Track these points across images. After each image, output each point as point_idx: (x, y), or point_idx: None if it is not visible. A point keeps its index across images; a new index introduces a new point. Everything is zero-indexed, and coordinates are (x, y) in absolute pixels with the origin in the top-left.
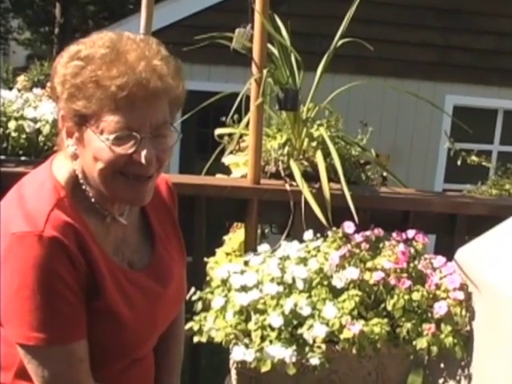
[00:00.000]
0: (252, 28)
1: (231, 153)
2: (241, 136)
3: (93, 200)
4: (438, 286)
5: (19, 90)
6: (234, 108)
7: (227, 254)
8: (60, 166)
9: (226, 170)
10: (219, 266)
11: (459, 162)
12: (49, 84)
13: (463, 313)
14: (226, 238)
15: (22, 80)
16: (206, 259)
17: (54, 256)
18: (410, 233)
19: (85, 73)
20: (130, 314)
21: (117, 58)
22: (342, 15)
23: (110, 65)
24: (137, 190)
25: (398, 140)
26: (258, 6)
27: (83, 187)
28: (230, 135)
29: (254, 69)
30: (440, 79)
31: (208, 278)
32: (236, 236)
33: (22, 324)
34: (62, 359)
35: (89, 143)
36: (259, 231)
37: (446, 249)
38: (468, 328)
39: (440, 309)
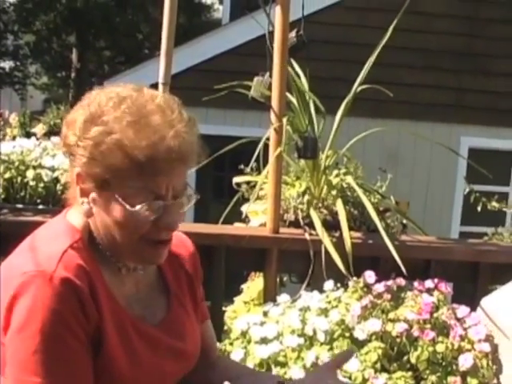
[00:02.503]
0: (270, 76)
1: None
2: None
3: (107, 253)
4: (462, 338)
5: (37, 139)
6: (253, 158)
7: (245, 303)
8: (74, 217)
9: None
10: (237, 314)
11: (479, 208)
12: (61, 137)
13: (490, 365)
14: (244, 286)
15: (40, 128)
16: (223, 308)
17: (63, 299)
18: (433, 282)
19: (110, 140)
20: (132, 372)
21: (142, 123)
22: (357, 59)
23: (137, 133)
24: (158, 253)
25: (414, 183)
26: (276, 55)
27: (97, 241)
28: (248, 183)
29: (273, 117)
30: (455, 121)
31: (226, 328)
32: (254, 285)
33: (16, 364)
34: None
35: (110, 208)
36: (278, 280)
37: (468, 297)
38: (495, 381)
39: (465, 361)
